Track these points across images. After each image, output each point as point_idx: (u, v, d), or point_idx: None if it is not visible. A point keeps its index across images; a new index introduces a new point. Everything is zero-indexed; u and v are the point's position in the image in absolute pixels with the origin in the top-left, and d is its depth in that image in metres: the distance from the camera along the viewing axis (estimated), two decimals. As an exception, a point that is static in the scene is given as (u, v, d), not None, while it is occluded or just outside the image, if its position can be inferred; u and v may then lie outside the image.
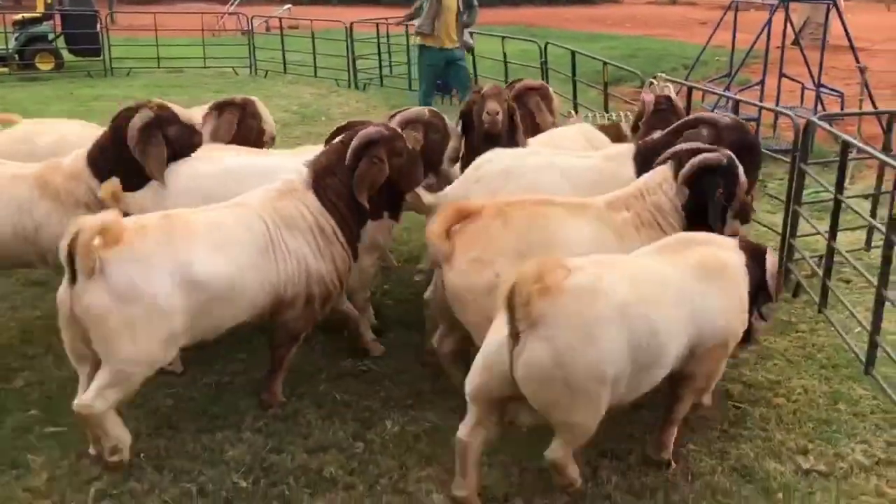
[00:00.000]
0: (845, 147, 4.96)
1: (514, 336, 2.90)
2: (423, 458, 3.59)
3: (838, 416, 4.01)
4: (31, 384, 4.12)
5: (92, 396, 3.25)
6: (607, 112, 8.30)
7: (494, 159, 4.45)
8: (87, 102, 11.73)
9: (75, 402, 3.30)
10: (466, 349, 4.14)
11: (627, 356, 2.98)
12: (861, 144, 5.56)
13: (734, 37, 11.01)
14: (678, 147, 4.06)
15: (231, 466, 3.49)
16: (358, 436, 3.75)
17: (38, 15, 15.37)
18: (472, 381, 3.10)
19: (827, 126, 5.69)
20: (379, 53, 14.26)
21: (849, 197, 5.50)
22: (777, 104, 10.34)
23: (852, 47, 10.47)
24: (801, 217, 5.43)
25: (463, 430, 3.16)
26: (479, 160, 4.48)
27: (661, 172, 3.95)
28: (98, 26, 15.39)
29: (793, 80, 11.03)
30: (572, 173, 4.42)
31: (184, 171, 4.33)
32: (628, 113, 6.78)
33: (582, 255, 3.24)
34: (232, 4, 24.16)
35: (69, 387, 4.02)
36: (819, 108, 10.32)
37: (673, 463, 3.57)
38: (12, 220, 4.12)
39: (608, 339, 2.93)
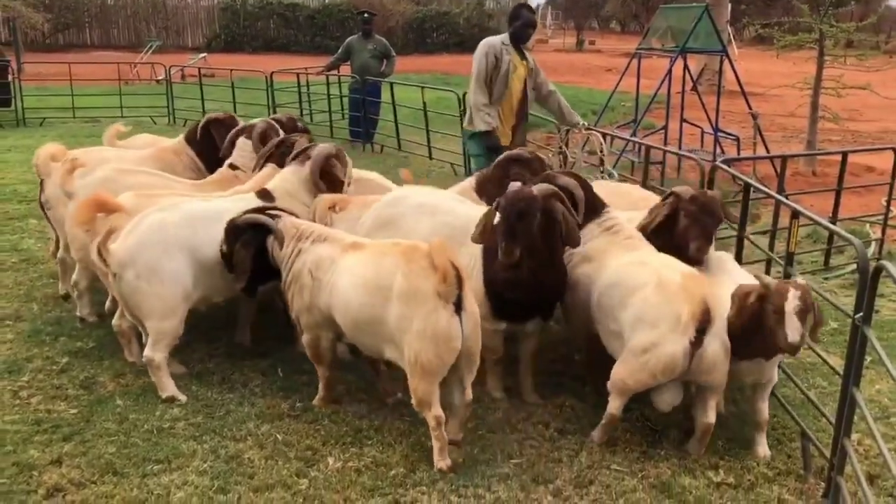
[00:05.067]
0: (747, 188, 5.45)
1: None
2: (367, 491, 3.74)
3: (745, 435, 4.37)
4: (-34, 439, 4.08)
5: None
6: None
7: None
8: (0, 153, 11.50)
9: None
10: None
11: None
12: (760, 185, 6.10)
13: (638, 84, 11.73)
14: None
15: (179, 509, 3.56)
16: (301, 473, 3.87)
17: (-55, 65, 14.99)
18: None
19: (729, 169, 6.24)
20: (300, 102, 14.47)
21: (750, 234, 6.00)
22: (679, 148, 11.06)
23: (744, 94, 11.31)
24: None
25: None
26: None
27: None
28: (10, 76, 15.10)
29: (693, 124, 11.81)
30: None
31: None
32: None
33: None
34: (145, 54, 24.02)
35: (7, 439, 4.06)
36: (717, 150, 11.09)
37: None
38: None
39: None
